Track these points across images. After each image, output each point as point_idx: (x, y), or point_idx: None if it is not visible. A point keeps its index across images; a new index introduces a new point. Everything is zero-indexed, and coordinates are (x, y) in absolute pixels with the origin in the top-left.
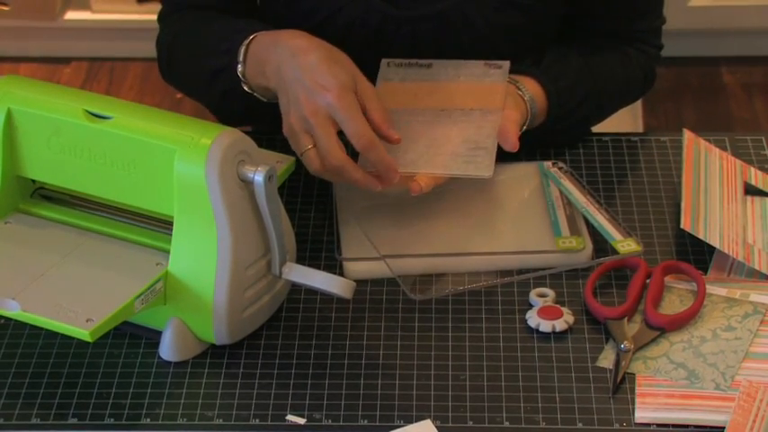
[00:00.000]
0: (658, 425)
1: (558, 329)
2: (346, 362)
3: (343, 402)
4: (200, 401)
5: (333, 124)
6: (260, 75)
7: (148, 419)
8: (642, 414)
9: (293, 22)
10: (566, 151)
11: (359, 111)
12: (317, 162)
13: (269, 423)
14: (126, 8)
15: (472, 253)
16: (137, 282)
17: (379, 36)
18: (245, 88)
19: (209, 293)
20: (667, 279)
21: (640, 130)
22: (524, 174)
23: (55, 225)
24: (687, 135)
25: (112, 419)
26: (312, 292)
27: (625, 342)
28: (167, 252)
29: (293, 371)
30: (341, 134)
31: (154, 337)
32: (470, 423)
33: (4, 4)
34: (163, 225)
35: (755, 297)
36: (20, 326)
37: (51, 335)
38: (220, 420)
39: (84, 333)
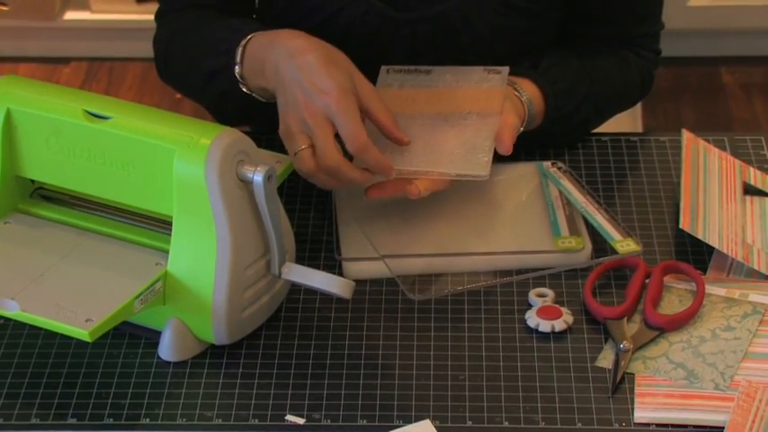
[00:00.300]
0: (657, 425)
1: (557, 329)
2: (345, 362)
3: (342, 402)
4: (199, 401)
5: (331, 126)
6: (258, 75)
7: (148, 419)
8: (641, 414)
9: (293, 22)
10: (565, 151)
11: (356, 114)
12: (310, 163)
13: (268, 423)
14: (125, 8)
15: (471, 253)
16: (136, 282)
17: (379, 37)
18: (244, 89)
19: (209, 293)
20: (666, 279)
21: (640, 130)
22: (524, 174)
23: (54, 225)
24: (686, 135)
25: (111, 419)
26: (311, 292)
27: (624, 342)
28: (166, 252)
29: (292, 371)
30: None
31: (153, 337)
32: (470, 423)
33: (4, 4)
34: (162, 225)
35: (754, 297)
36: (19, 326)
37: (50, 335)
38: (219, 420)
39: (83, 333)
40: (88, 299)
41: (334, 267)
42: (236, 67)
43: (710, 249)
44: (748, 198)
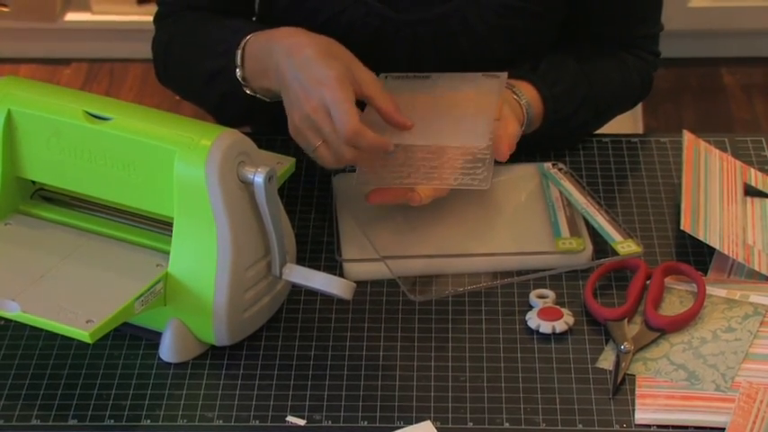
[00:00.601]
0: (658, 426)
1: (558, 330)
2: (346, 363)
3: (343, 403)
4: (200, 402)
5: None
6: (261, 76)
7: (148, 420)
8: (642, 415)
9: (294, 24)
10: (566, 152)
11: (349, 101)
12: (329, 157)
13: (269, 424)
14: (126, 9)
15: (472, 254)
16: (137, 283)
17: (380, 39)
18: (248, 91)
19: (210, 295)
20: (667, 280)
21: (640, 131)
22: (524, 175)
23: (55, 226)
24: (687, 136)
25: (112, 420)
26: (312, 293)
27: (625, 343)
28: (167, 253)
29: (293, 372)
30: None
31: (154, 338)
32: (470, 424)
33: (4, 5)
34: (163, 226)
35: (755, 298)
36: (20, 327)
37: (51, 336)
38: (220, 421)
39: (84, 334)
40: (89, 300)
41: (335, 268)
42: (238, 71)
43: (711, 250)
44: (749, 199)
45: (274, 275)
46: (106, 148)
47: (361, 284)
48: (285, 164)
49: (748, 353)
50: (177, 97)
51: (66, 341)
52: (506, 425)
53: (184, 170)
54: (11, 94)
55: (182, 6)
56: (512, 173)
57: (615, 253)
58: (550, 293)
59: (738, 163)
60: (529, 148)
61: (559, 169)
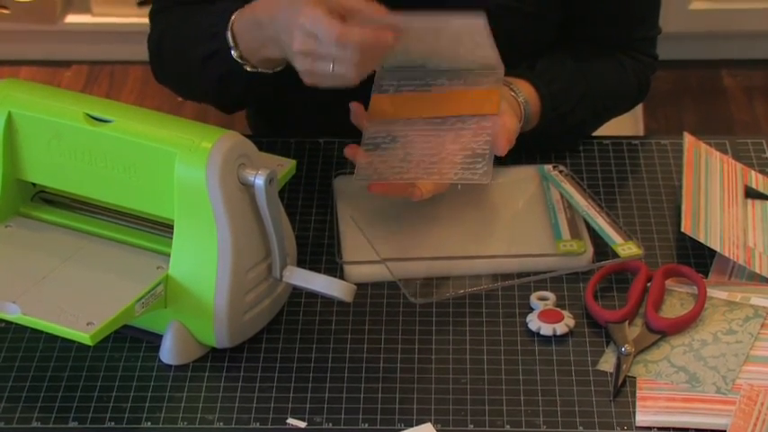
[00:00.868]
0: (659, 428)
1: (558, 333)
2: (347, 365)
3: (343, 406)
4: (200, 405)
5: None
6: (259, 49)
7: (149, 423)
8: (643, 417)
9: None
10: (566, 154)
11: (324, 14)
12: (350, 71)
13: (269, 427)
14: (126, 11)
15: (473, 256)
16: (137, 285)
17: None
18: (248, 69)
19: (210, 297)
20: (668, 282)
21: (641, 133)
22: (525, 177)
23: (55, 228)
24: (688, 138)
25: (113, 423)
26: (313, 295)
27: (626, 345)
28: (168, 255)
29: (294, 374)
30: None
31: (154, 340)
32: (471, 426)
33: (5, 8)
34: (163, 228)
35: (756, 300)
36: (20, 329)
37: (52, 338)
38: (221, 424)
39: (84, 336)
40: (89, 302)
41: (336, 271)
42: (233, 51)
43: (712, 253)
44: (750, 201)
45: (275, 278)
46: (107, 150)
47: (361, 287)
48: (286, 166)
49: (749, 355)
50: (178, 99)
51: (67, 343)
52: (507, 427)
53: (185, 172)
54: (11, 96)
55: (173, 1)
56: (512, 175)
57: (616, 255)
58: (551, 296)
59: (739, 165)
60: (529, 150)
61: (560, 171)
